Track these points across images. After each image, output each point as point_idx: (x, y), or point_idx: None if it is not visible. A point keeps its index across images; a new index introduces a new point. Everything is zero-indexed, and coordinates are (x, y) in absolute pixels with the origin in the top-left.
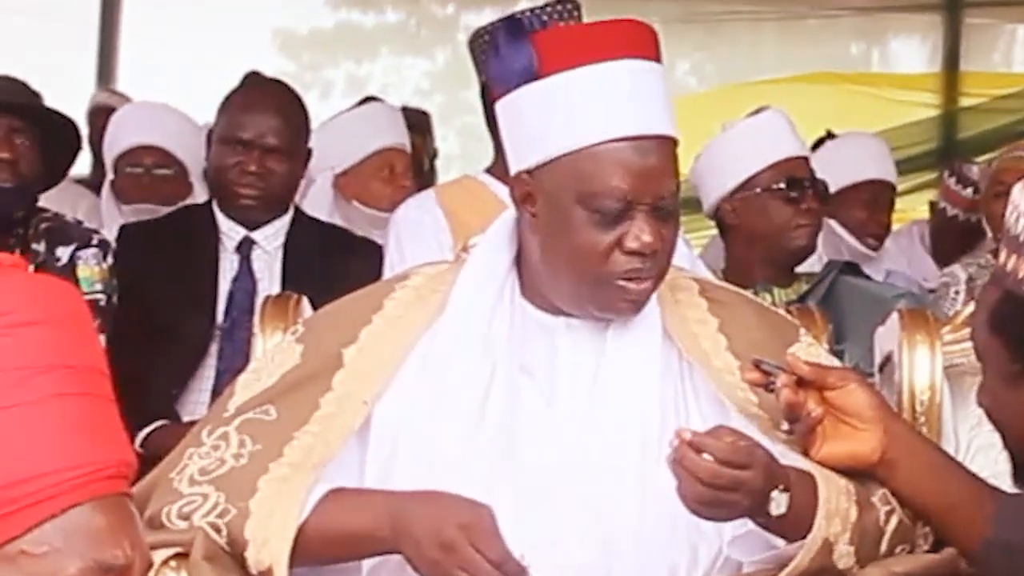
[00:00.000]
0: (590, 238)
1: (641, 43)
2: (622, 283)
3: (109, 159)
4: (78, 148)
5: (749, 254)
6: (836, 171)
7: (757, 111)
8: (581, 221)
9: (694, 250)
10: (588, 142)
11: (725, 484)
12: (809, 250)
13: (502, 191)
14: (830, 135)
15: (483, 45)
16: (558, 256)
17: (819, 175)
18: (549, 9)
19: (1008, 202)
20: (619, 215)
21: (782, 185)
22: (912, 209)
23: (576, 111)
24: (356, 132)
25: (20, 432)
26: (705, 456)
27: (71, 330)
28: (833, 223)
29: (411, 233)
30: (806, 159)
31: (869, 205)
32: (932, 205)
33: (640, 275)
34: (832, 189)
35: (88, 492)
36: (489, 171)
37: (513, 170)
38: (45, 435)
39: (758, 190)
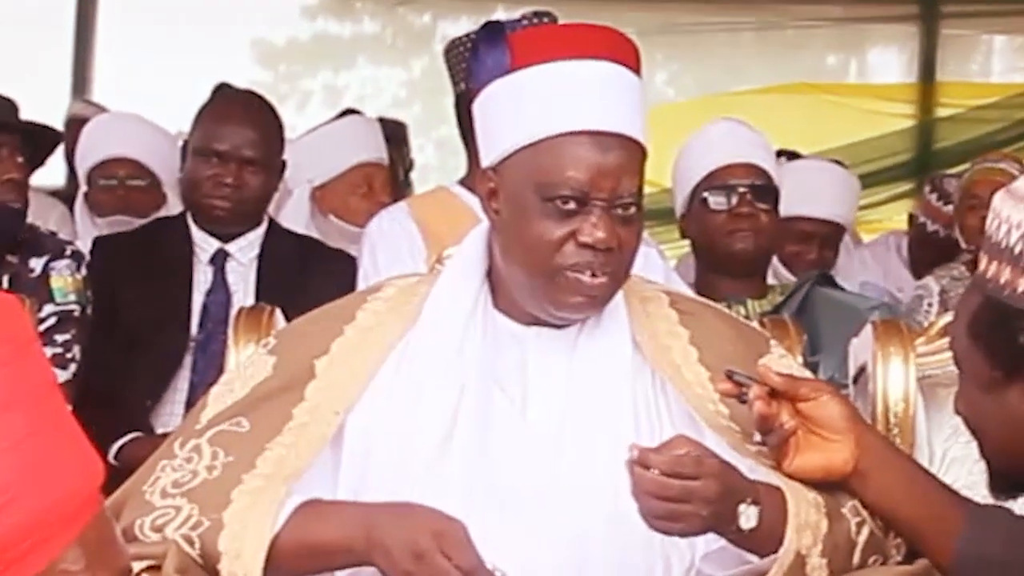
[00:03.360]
0: (545, 228)
1: (617, 49)
2: (573, 275)
3: (82, 171)
4: (50, 152)
5: (707, 265)
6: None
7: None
8: (537, 211)
9: (669, 262)
10: (548, 133)
11: (674, 496)
12: (752, 253)
13: (475, 202)
14: (785, 153)
15: (458, 55)
16: (515, 249)
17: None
18: (525, 22)
19: (989, 210)
20: (576, 208)
21: (705, 194)
22: (888, 219)
23: (540, 103)
24: (335, 146)
25: (49, 455)
26: (653, 470)
27: (38, 343)
28: None
29: (384, 245)
30: (748, 165)
31: (802, 241)
32: (911, 218)
33: (592, 268)
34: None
35: (98, 502)
36: (462, 182)
37: (482, 167)
38: (65, 454)
39: (696, 202)
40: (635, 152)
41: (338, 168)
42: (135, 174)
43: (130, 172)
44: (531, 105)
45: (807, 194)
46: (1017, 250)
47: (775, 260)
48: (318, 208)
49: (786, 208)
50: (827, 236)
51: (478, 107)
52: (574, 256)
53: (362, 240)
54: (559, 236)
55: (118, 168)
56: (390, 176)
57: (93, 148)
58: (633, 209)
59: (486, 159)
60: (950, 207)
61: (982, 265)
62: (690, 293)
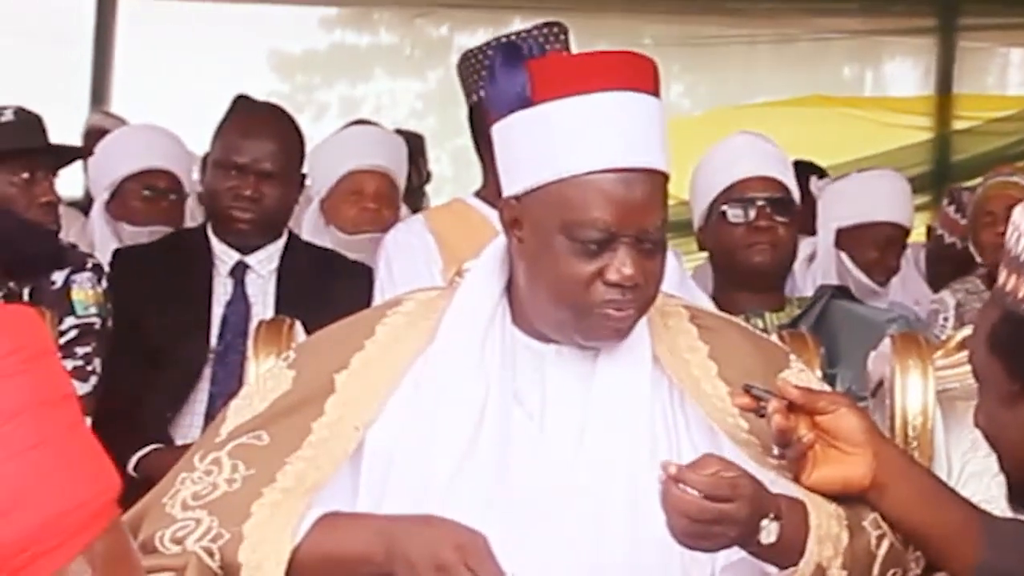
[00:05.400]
0: (572, 267)
1: (637, 75)
2: (601, 311)
3: (109, 179)
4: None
5: (725, 278)
6: (853, 206)
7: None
8: (564, 250)
9: (684, 265)
10: (573, 171)
11: (709, 518)
12: (770, 266)
13: (491, 214)
14: (807, 164)
15: (472, 67)
16: (541, 283)
17: (835, 206)
18: (535, 32)
19: (1008, 223)
20: (602, 246)
21: (724, 207)
22: None
23: (564, 140)
24: (331, 156)
25: (55, 466)
26: (688, 490)
27: (55, 355)
28: (844, 256)
29: (401, 257)
30: (766, 178)
31: (881, 246)
32: (929, 230)
33: (620, 306)
34: (846, 223)
35: (110, 514)
36: (478, 194)
37: (504, 194)
38: (74, 466)
39: (714, 215)
40: (660, 183)
41: (333, 178)
42: (174, 187)
43: (170, 185)
44: (555, 141)
45: (885, 200)
46: None
47: (853, 268)
48: (324, 219)
49: (864, 215)
50: (902, 240)
51: (498, 135)
52: (603, 294)
53: (379, 252)
54: (587, 274)
55: (159, 180)
56: (389, 183)
57: (130, 156)
58: (659, 242)
59: (508, 188)
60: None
61: (1001, 278)
62: (705, 299)
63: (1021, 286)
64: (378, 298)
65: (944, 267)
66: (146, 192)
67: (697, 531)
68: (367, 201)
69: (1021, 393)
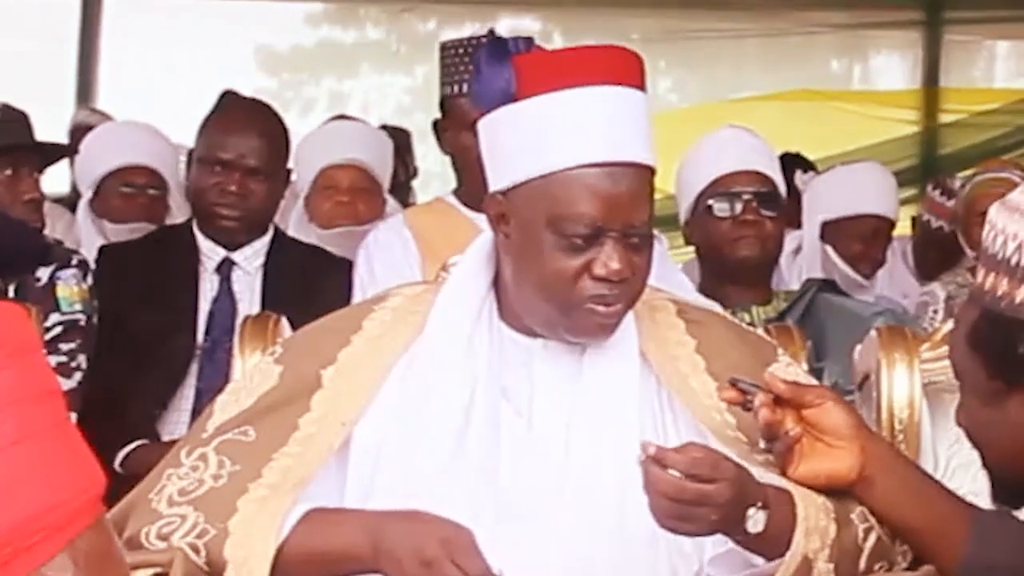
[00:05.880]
0: (559, 263)
1: (623, 70)
2: (589, 307)
3: (92, 177)
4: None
5: (711, 272)
6: (837, 199)
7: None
8: (550, 245)
9: (664, 245)
10: (559, 166)
11: (690, 498)
12: (756, 259)
13: (470, 213)
14: (793, 158)
15: (452, 57)
16: (528, 279)
17: (820, 200)
18: (466, 42)
19: (985, 222)
20: (588, 240)
21: (710, 201)
22: None
23: (549, 135)
24: (310, 152)
25: (37, 463)
26: (670, 471)
27: (39, 351)
28: (829, 250)
29: (381, 255)
30: (753, 172)
31: (866, 239)
32: (915, 220)
33: (608, 300)
34: (831, 217)
35: (94, 511)
36: (456, 193)
37: (490, 190)
38: (57, 462)
39: (700, 209)
40: (646, 178)
41: (310, 176)
42: (153, 183)
43: (149, 181)
44: (540, 136)
45: (870, 192)
46: (1013, 261)
47: (839, 261)
48: (307, 216)
49: (848, 207)
50: (887, 233)
51: (484, 129)
52: (590, 289)
53: (359, 250)
54: (574, 270)
55: (138, 176)
56: (365, 177)
57: (109, 154)
58: (645, 236)
59: (494, 183)
60: (953, 201)
61: (979, 277)
62: (687, 281)
63: (998, 285)
64: (357, 296)
65: (931, 252)
66: (124, 189)
67: (679, 512)
68: (341, 195)
69: (1001, 391)
